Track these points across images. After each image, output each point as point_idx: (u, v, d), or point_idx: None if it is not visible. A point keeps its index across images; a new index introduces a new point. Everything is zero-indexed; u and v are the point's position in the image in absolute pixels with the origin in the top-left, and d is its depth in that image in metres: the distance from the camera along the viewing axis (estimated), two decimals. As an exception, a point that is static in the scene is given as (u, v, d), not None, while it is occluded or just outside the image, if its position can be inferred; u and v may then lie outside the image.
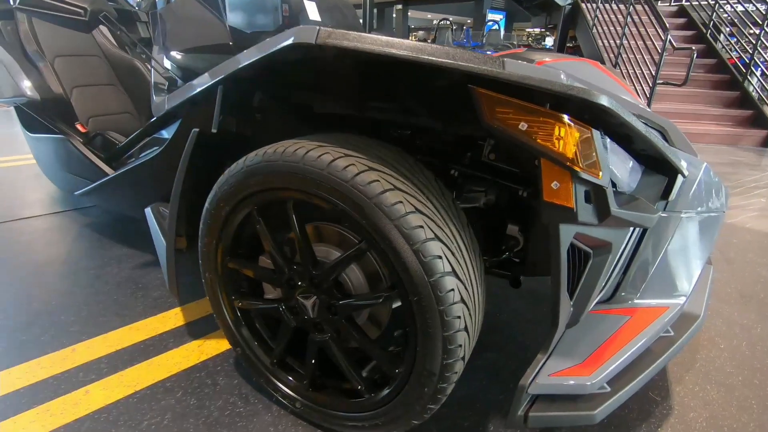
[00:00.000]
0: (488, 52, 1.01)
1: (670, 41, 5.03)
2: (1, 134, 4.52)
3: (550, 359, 0.93)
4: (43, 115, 1.94)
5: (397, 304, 1.00)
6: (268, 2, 1.86)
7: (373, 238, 0.81)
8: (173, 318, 1.52)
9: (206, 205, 1.03)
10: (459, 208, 0.91)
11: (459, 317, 0.80)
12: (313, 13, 1.94)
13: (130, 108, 2.40)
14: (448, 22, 11.19)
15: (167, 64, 1.55)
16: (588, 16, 7.33)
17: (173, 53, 1.55)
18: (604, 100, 0.67)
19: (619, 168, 0.90)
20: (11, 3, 2.08)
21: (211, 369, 1.28)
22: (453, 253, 0.81)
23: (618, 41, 6.32)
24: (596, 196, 0.77)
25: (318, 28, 0.80)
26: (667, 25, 5.19)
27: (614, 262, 0.95)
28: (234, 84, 1.05)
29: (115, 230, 2.23)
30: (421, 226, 0.78)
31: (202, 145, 1.13)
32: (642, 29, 5.86)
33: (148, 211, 1.57)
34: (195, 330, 1.46)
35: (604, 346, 0.99)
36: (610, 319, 1.05)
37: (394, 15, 20.53)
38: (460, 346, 0.82)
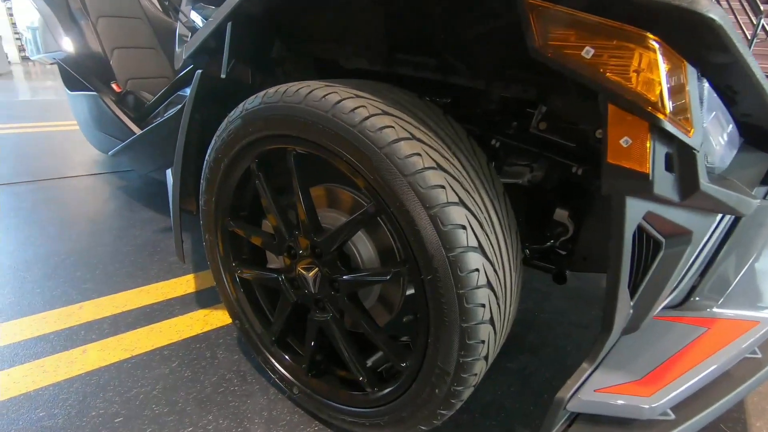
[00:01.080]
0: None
1: (763, 26, 4.42)
2: (60, 100, 4.76)
3: (598, 371, 0.74)
4: (79, 72, 1.94)
5: (411, 291, 0.84)
6: None
7: (382, 198, 0.65)
8: (184, 284, 1.45)
9: (206, 157, 0.92)
10: (495, 174, 0.74)
11: (483, 306, 0.63)
12: None
13: (169, 72, 2.37)
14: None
15: (194, 16, 1.46)
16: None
17: (200, 5, 1.46)
18: (715, 14, 0.47)
19: (715, 133, 0.69)
20: None
21: (213, 341, 1.19)
22: (481, 225, 0.64)
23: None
24: (682, 161, 0.57)
25: None
26: (762, 8, 4.56)
27: (692, 258, 0.75)
28: (248, 27, 0.93)
29: (145, 194, 2.22)
30: (442, 186, 0.61)
31: (218, 102, 1.02)
32: (730, 16, 5.21)
33: (168, 172, 1.51)
34: (204, 299, 1.38)
35: (671, 361, 0.78)
36: (680, 329, 0.84)
37: None
38: (483, 342, 0.66)
